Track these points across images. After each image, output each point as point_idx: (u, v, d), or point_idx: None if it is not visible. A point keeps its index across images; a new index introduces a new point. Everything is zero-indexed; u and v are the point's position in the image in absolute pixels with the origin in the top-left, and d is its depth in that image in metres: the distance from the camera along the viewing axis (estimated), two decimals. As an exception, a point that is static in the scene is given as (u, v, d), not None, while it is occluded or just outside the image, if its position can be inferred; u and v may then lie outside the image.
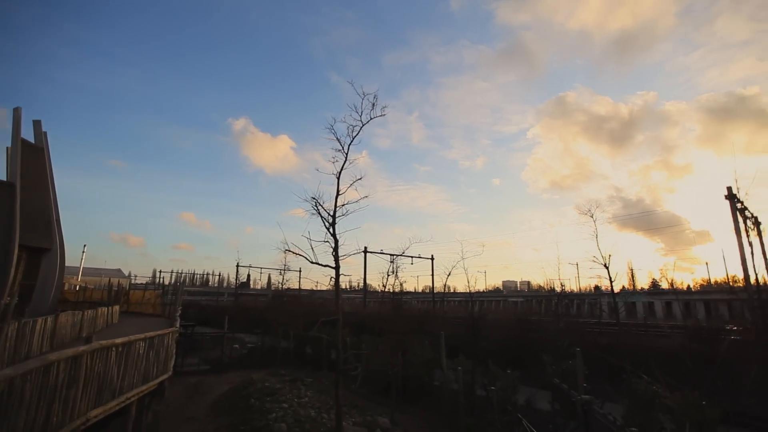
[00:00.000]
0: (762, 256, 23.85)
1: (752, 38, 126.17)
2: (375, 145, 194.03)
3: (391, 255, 33.11)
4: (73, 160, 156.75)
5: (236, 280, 60.02)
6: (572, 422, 9.36)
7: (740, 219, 23.40)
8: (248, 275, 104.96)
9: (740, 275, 23.39)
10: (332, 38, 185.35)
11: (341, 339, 8.21)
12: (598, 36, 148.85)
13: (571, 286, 61.36)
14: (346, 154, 9.07)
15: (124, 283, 40.20)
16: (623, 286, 59.71)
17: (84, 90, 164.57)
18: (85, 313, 13.46)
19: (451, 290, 79.43)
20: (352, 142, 9.13)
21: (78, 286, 36.44)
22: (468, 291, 19.91)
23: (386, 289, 17.95)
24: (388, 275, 17.26)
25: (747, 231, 23.24)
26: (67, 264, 19.55)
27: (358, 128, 9.07)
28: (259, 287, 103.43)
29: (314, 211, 8.85)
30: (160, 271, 78.32)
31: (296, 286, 54.83)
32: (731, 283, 39.92)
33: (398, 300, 20.15)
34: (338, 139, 9.15)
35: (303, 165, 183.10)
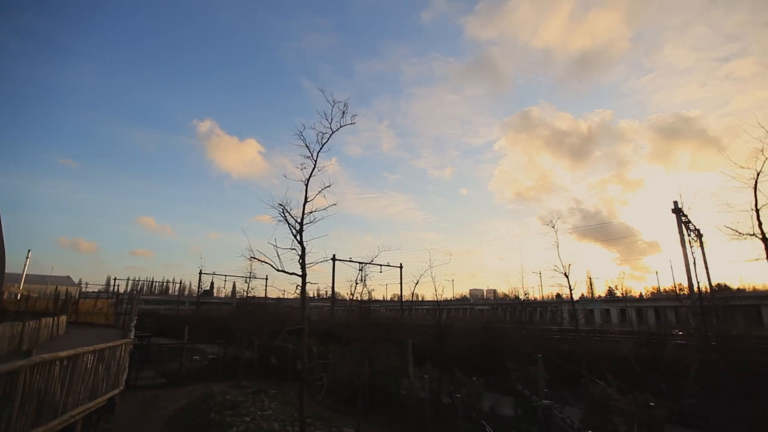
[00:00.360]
0: (704, 265, 25.69)
1: (694, 66, 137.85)
2: (346, 153, 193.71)
3: (359, 263, 33.01)
4: (18, 157, 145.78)
5: (198, 287, 57.49)
6: (534, 427, 9.60)
7: (685, 231, 25.20)
8: (212, 283, 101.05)
9: (686, 284, 25.14)
10: (304, 44, 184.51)
11: (306, 348, 8.03)
12: (560, 55, 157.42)
13: (535, 294, 63.45)
14: (315, 161, 8.98)
15: (74, 291, 37.49)
16: (582, 294, 62.51)
17: (32, 82, 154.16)
18: (27, 324, 12.43)
19: (420, 298, 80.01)
20: (321, 149, 9.05)
21: (20, 295, 33.58)
22: (436, 299, 20.13)
23: (354, 298, 17.79)
24: (357, 283, 17.15)
25: (690, 243, 25.02)
26: (7, 270, 18.00)
27: (327, 135, 9.01)
28: (223, 295, 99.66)
29: (281, 218, 8.65)
30: (115, 279, 73.56)
31: (262, 295, 53.31)
32: (677, 291, 42.76)
33: (366, 308, 20.01)
34: (307, 146, 9.05)
35: (271, 170, 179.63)
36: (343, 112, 8.88)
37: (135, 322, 15.56)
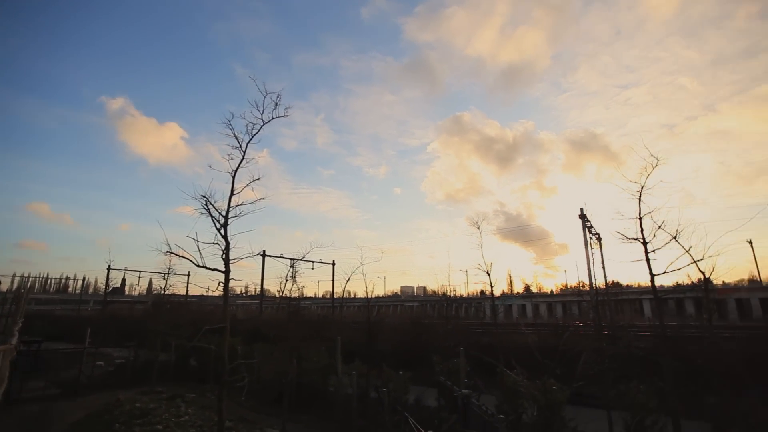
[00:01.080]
0: (602, 265, 29.27)
1: (601, 90, 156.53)
2: (280, 146, 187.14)
3: (291, 259, 32.10)
4: None
5: (106, 285, 51.14)
6: (454, 415, 10.19)
7: (588, 235, 28.54)
8: (123, 280, 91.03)
9: (587, 281, 28.53)
10: (239, 27, 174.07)
11: (228, 348, 7.61)
12: (491, 65, 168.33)
13: (461, 291, 67.15)
14: (244, 152, 8.50)
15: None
16: (503, 291, 67.74)
17: None
18: None
19: (352, 295, 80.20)
20: (251, 140, 8.58)
21: None
22: (366, 296, 20.38)
23: (284, 295, 17.28)
24: (287, 280, 16.65)
25: (592, 245, 28.39)
26: None
27: (258, 126, 8.58)
28: (136, 293, 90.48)
29: (204, 210, 8.05)
30: (-4, 275, 62.59)
31: (184, 292, 49.33)
32: (580, 288, 48.30)
33: (295, 306, 19.57)
34: (236, 136, 8.52)
35: (195, 158, 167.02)
36: (276, 104, 8.53)
37: (20, 325, 13.45)
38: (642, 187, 9.48)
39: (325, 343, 16.18)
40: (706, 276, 9.51)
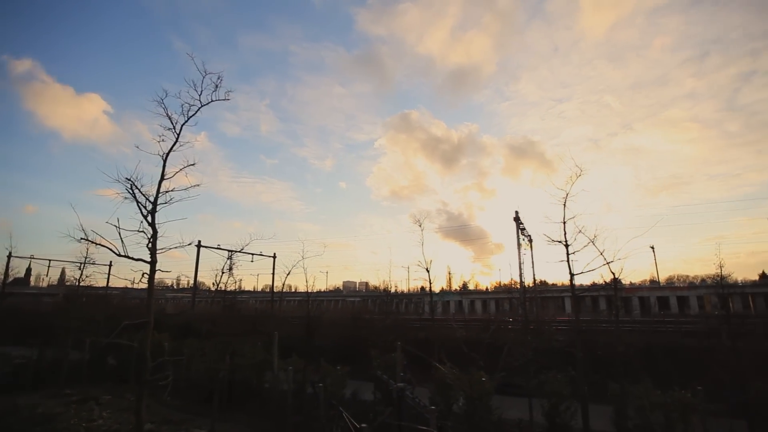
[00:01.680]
0: (531, 265, 31.55)
1: (539, 101, 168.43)
2: (221, 130, 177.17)
3: (228, 251, 30.53)
4: None
5: (6, 275, 44.70)
6: (389, 408, 10.42)
7: (521, 237, 30.63)
8: (28, 269, 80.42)
9: (518, 279, 30.67)
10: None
11: (151, 345, 7.07)
12: (440, 66, 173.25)
13: (402, 287, 68.69)
14: (178, 134, 7.86)
15: None
16: (442, 288, 70.34)
17: None
18: None
19: (292, 290, 78.54)
20: (186, 122, 7.96)
21: None
22: (307, 291, 20.04)
23: (220, 288, 16.45)
24: (223, 272, 15.84)
25: (524, 246, 30.51)
26: None
27: (195, 108, 7.99)
28: (45, 284, 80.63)
29: (129, 195, 7.35)
30: None
31: (104, 284, 44.80)
32: (511, 286, 51.79)
33: (231, 299, 18.73)
34: (169, 116, 7.84)
35: (121, 136, 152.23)
36: (217, 86, 8.01)
37: None
38: (567, 194, 10.42)
39: (262, 338, 15.69)
40: (616, 276, 10.70)
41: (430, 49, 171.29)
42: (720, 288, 12.27)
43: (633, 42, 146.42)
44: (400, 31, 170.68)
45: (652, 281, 63.01)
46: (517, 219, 30.76)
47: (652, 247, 55.78)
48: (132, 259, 7.27)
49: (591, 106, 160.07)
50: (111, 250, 7.24)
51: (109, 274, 45.55)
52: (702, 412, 7.79)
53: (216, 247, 35.54)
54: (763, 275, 61.01)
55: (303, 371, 12.62)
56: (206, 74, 7.91)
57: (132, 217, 7.41)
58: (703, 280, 59.11)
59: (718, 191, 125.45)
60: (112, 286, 47.49)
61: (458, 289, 77.10)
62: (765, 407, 7.89)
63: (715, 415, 8.31)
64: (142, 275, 7.38)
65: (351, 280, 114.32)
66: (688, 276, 73.68)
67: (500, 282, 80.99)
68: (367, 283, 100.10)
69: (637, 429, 8.46)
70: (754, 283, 54.77)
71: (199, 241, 36.67)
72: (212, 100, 8.10)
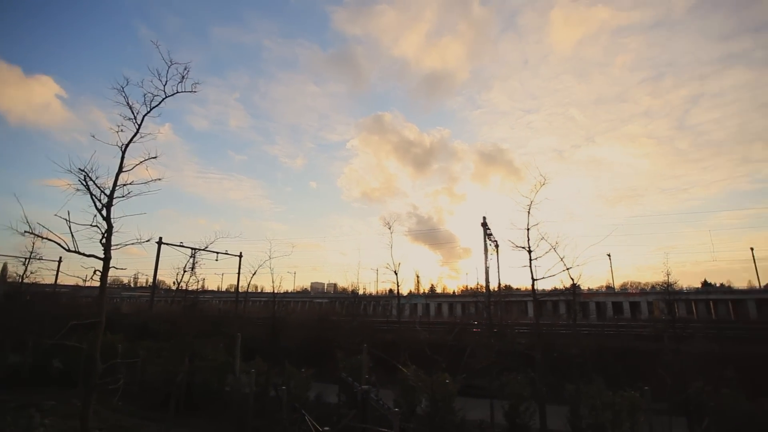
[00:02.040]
0: (497, 270, 32.43)
1: (509, 111, 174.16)
2: (188, 123, 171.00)
3: (192, 248, 29.39)
4: None
5: (-65, 269, 40.72)
6: (353, 410, 10.38)
7: (488, 242, 31.46)
8: (-38, 264, 73.94)
9: (484, 284, 31.46)
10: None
11: (105, 346, 6.69)
12: (415, 69, 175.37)
13: (371, 289, 68.68)
14: (139, 125, 7.46)
15: None
16: (410, 290, 70.95)
17: None
18: None
19: (259, 290, 76.62)
20: (149, 112, 7.59)
21: None
22: (273, 291, 19.64)
23: (181, 287, 15.78)
24: (185, 271, 15.19)
25: (491, 251, 31.34)
26: None
27: (159, 99, 7.64)
28: (-19, 281, 74.34)
29: (83, 186, 6.90)
30: None
31: (52, 280, 41.86)
32: (477, 289, 53.07)
33: (192, 299, 18.03)
34: (130, 105, 7.43)
35: (75, 123, 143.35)
36: (183, 76, 7.69)
37: None
38: (531, 202, 10.82)
39: (225, 339, 15.19)
40: (575, 282, 11.20)
41: (405, 52, 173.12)
42: (667, 295, 13.10)
43: (597, 59, 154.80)
44: (376, 32, 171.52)
45: (608, 287, 66.55)
46: (484, 224, 31.59)
47: (609, 255, 58.88)
48: (83, 255, 6.83)
49: (557, 118, 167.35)
50: (60, 245, 6.78)
51: (58, 270, 42.69)
52: (647, 411, 8.30)
53: (178, 244, 34.16)
54: (705, 283, 66.02)
55: (266, 374, 12.34)
56: (172, 64, 7.58)
57: (85, 211, 6.97)
58: (653, 286, 63.19)
59: (669, 204, 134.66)
60: (62, 283, 44.56)
61: (426, 292, 78.01)
62: (702, 405, 8.52)
63: (659, 413, 8.87)
64: (94, 272, 6.95)
65: (319, 281, 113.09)
66: (640, 283, 78.60)
67: (467, 286, 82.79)
68: (335, 285, 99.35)
69: (590, 427, 8.89)
70: (697, 290, 59.13)
71: (160, 238, 35.14)
72: (178, 92, 7.76)
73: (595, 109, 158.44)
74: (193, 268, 16.56)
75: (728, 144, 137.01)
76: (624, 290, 69.28)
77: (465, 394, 11.03)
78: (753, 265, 61.29)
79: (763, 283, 55.28)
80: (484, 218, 31.76)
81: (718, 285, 63.90)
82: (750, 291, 54.19)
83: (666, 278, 12.79)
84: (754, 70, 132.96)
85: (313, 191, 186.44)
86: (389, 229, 24.86)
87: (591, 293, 59.24)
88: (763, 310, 48.16)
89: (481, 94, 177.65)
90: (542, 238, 10.58)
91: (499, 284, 33.66)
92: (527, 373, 10.70)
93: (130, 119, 7.48)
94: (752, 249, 49.50)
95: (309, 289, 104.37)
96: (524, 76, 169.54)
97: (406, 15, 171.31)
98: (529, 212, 10.73)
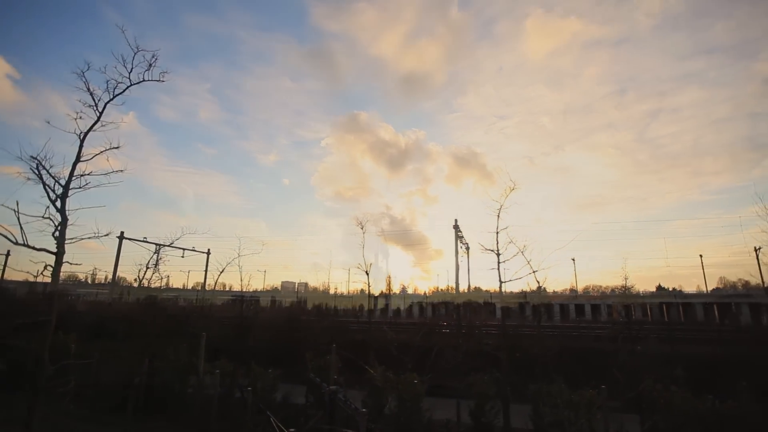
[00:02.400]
0: (467, 271, 33.04)
1: (483, 116, 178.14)
2: (155, 113, 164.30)
3: (156, 244, 28.17)
4: None
5: None
6: (321, 411, 10.29)
7: (459, 244, 32.01)
8: None
9: (454, 285, 31.98)
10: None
11: (56, 346, 6.30)
12: (392, 70, 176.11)
13: (342, 289, 68.38)
14: (100, 112, 7.06)
15: None
16: (382, 291, 71.11)
17: None
18: None
19: (228, 288, 74.58)
20: (111, 100, 7.20)
21: None
22: (241, 290, 19.13)
23: (143, 284, 15.12)
24: (148, 267, 14.56)
25: (462, 253, 31.89)
26: None
27: (123, 86, 7.27)
28: None
29: (35, 175, 6.46)
30: None
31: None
32: (449, 291, 53.91)
33: (153, 297, 17.33)
34: (90, 92, 7.01)
35: (28, 106, 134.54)
36: (151, 64, 7.36)
37: None
38: (501, 206, 11.13)
39: (189, 339, 14.68)
40: (540, 285, 11.60)
41: (383, 51, 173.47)
42: (625, 298, 13.83)
43: (568, 70, 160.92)
44: (355, 30, 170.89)
45: (571, 290, 69.29)
46: (456, 227, 32.17)
47: (573, 259, 61.35)
48: (33, 248, 6.40)
49: (528, 125, 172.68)
50: (7, 237, 6.33)
51: (5, 264, 39.99)
52: (604, 408, 8.71)
53: (142, 239, 32.73)
54: (659, 287, 70.09)
55: (232, 375, 12.01)
56: (139, 50, 7.23)
57: (37, 201, 6.53)
58: (612, 290, 66.42)
59: (629, 212, 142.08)
60: (9, 278, 41.70)
61: (397, 292, 78.43)
62: (653, 402, 9.03)
63: (614, 410, 9.34)
64: (45, 267, 6.53)
65: (290, 280, 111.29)
66: (600, 286, 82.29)
67: (438, 287, 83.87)
68: (306, 284, 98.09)
69: (551, 425, 9.23)
70: (652, 294, 62.79)
71: (122, 233, 33.57)
72: (144, 80, 7.41)
73: (564, 119, 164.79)
74: (157, 265, 15.89)
75: (683, 157, 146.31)
76: (586, 293, 72.47)
77: (433, 394, 11.17)
78: (702, 271, 65.66)
79: (710, 288, 59.51)
80: (456, 221, 32.42)
81: (670, 289, 68.01)
82: (698, 295, 58.06)
83: (624, 282, 13.48)
84: (707, 89, 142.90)
85: (286, 189, 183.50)
86: (362, 229, 24.79)
87: (555, 296, 61.67)
88: (709, 313, 51.75)
89: (457, 98, 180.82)
90: (511, 242, 10.92)
91: (469, 286, 34.39)
92: (493, 373, 10.98)
93: (90, 106, 7.09)
94: (701, 256, 52.74)
95: (279, 287, 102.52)
96: (498, 83, 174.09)
97: (385, 14, 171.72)
98: (498, 216, 11.04)
